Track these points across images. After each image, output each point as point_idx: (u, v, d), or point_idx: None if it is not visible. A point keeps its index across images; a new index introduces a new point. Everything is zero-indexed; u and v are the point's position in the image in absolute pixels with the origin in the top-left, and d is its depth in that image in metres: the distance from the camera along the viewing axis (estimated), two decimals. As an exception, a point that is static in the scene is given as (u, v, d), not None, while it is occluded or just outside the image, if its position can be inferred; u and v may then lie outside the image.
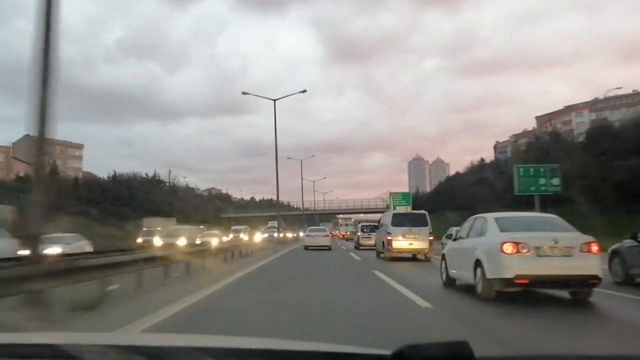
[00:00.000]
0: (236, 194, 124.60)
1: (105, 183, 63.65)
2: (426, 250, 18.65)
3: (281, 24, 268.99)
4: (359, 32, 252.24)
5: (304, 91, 38.57)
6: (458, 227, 23.80)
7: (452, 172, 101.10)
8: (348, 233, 53.50)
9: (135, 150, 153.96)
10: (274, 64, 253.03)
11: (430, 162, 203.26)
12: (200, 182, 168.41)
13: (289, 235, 52.78)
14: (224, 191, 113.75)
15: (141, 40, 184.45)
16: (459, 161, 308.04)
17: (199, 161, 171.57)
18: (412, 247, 18.62)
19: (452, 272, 9.82)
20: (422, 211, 20.28)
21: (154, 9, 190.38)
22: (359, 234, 30.58)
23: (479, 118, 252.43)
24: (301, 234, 50.13)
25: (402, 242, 18.47)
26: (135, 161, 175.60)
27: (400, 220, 19.13)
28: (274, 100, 37.77)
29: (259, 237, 38.72)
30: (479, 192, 49.73)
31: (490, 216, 8.80)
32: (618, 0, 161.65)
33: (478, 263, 8.13)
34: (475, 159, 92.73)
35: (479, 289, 8.05)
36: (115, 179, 66.01)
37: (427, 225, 18.91)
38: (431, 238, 18.81)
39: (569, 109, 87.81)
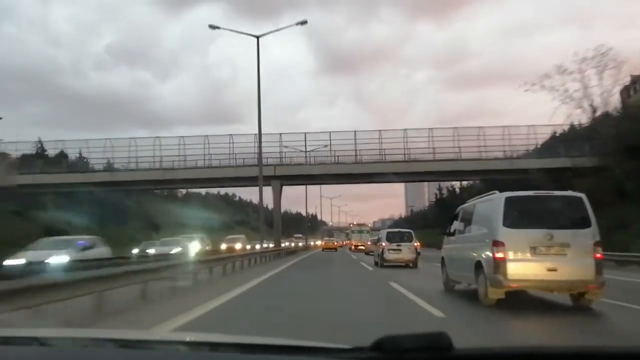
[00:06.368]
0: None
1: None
2: (591, 284, 7.62)
3: (273, 33, 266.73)
4: (351, 43, 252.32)
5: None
6: None
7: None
8: (368, 243, 38.88)
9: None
10: (265, 74, 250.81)
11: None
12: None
13: None
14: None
15: (132, 48, 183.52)
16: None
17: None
18: (554, 275, 7.65)
19: None
20: (576, 193, 8.50)
21: (146, 16, 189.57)
22: (383, 244, 20.84)
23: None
24: None
25: (531, 263, 7.69)
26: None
27: (523, 214, 8.15)
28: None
29: None
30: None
31: None
32: (607, 15, 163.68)
33: None
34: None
35: None
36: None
37: (591, 225, 7.92)
38: (599, 255, 7.83)
39: None
